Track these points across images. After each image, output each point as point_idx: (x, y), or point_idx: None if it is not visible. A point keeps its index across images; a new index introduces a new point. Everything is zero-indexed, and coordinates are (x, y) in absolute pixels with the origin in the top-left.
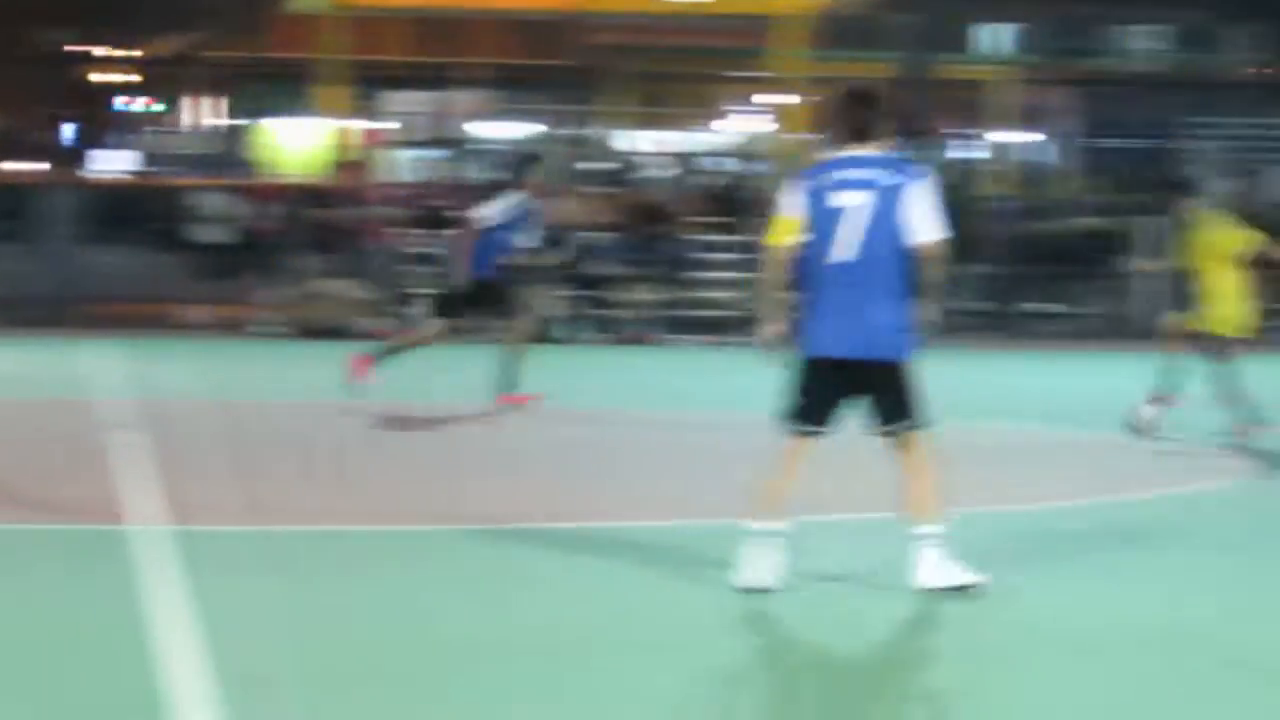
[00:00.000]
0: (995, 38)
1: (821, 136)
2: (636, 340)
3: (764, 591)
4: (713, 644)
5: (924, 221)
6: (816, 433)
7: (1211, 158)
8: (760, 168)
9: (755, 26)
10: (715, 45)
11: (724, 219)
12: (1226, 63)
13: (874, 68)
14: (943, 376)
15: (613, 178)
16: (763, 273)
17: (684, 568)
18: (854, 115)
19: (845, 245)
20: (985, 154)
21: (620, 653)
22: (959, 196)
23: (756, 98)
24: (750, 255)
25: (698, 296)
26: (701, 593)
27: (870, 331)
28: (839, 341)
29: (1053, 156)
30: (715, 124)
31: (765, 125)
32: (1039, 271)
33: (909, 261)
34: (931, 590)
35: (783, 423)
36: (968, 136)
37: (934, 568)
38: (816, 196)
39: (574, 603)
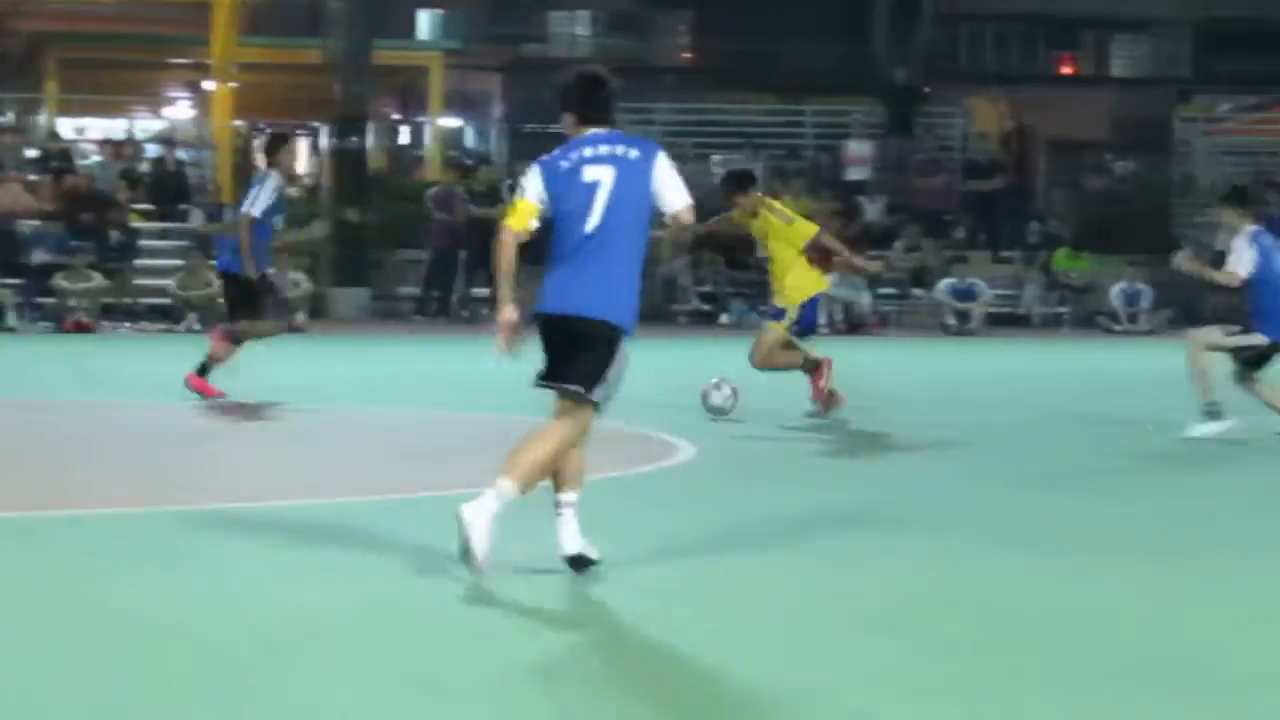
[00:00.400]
0: (432, 23)
1: (562, 117)
2: (81, 329)
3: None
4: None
5: (675, 191)
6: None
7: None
8: (201, 153)
9: (193, 13)
10: (154, 32)
11: (166, 205)
12: (655, 48)
13: (310, 53)
14: (389, 362)
15: (52, 165)
16: (498, 256)
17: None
18: (594, 96)
19: (595, 217)
20: (423, 139)
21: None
22: (397, 182)
23: (195, 83)
24: (192, 242)
25: (141, 284)
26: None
27: (602, 294)
28: (566, 300)
29: (489, 142)
30: (155, 110)
31: (204, 111)
32: (478, 257)
33: (645, 233)
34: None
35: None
36: (405, 121)
37: (479, 511)
38: (568, 174)
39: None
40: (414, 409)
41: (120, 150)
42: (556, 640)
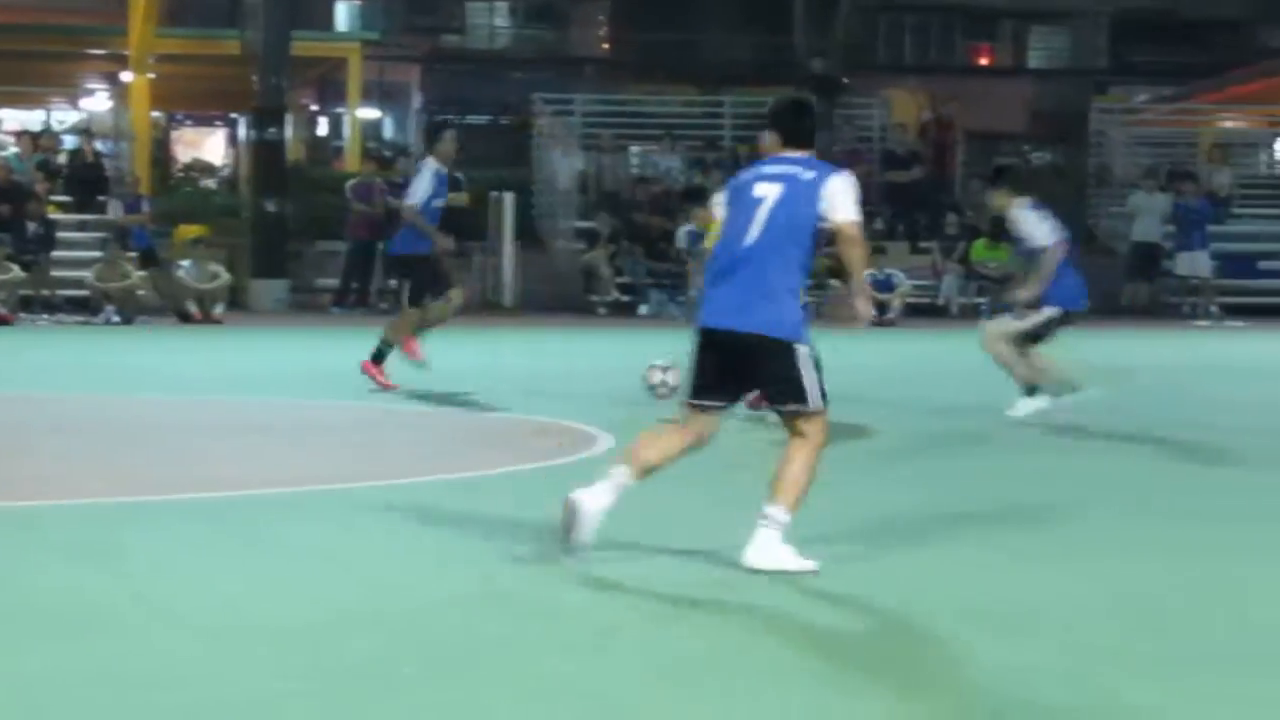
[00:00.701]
0: (350, 14)
1: (767, 135)
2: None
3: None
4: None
5: (841, 207)
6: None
7: (563, 133)
8: (119, 145)
9: (111, 4)
10: (71, 23)
11: (84, 197)
12: (573, 39)
13: (228, 45)
14: (297, 355)
15: None
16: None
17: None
18: (798, 122)
19: (753, 232)
20: (342, 130)
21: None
22: (316, 173)
23: (112, 75)
24: (109, 234)
25: (59, 276)
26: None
27: (755, 309)
28: (724, 315)
29: (408, 133)
30: (73, 102)
31: (122, 103)
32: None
33: (804, 250)
34: (759, 570)
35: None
36: (324, 113)
37: (767, 550)
38: (740, 189)
39: None
40: (331, 400)
41: (37, 142)
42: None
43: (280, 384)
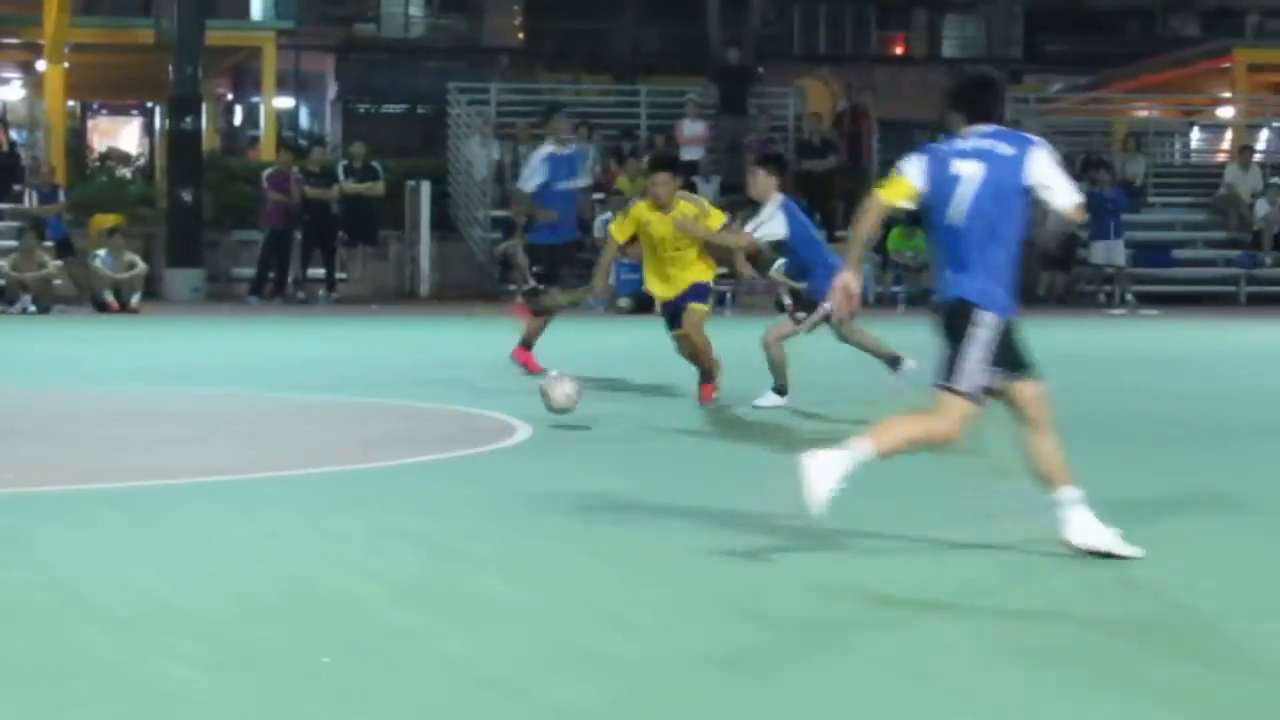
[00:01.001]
0: (265, 3)
1: (952, 116)
2: None
3: None
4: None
5: (1060, 188)
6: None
7: (478, 122)
8: (34, 134)
9: None
10: None
11: None
12: (488, 28)
13: (143, 34)
14: (211, 345)
15: None
16: (861, 221)
17: None
18: (980, 97)
19: (957, 210)
20: (257, 119)
21: None
22: (231, 162)
23: (27, 64)
24: (24, 223)
25: None
26: None
27: (960, 281)
28: (942, 289)
29: (323, 122)
30: None
31: (37, 92)
32: (313, 238)
33: (1013, 227)
34: (1080, 548)
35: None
36: (239, 102)
37: (1082, 528)
38: (941, 165)
39: None
40: (248, 390)
41: None
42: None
43: (197, 374)
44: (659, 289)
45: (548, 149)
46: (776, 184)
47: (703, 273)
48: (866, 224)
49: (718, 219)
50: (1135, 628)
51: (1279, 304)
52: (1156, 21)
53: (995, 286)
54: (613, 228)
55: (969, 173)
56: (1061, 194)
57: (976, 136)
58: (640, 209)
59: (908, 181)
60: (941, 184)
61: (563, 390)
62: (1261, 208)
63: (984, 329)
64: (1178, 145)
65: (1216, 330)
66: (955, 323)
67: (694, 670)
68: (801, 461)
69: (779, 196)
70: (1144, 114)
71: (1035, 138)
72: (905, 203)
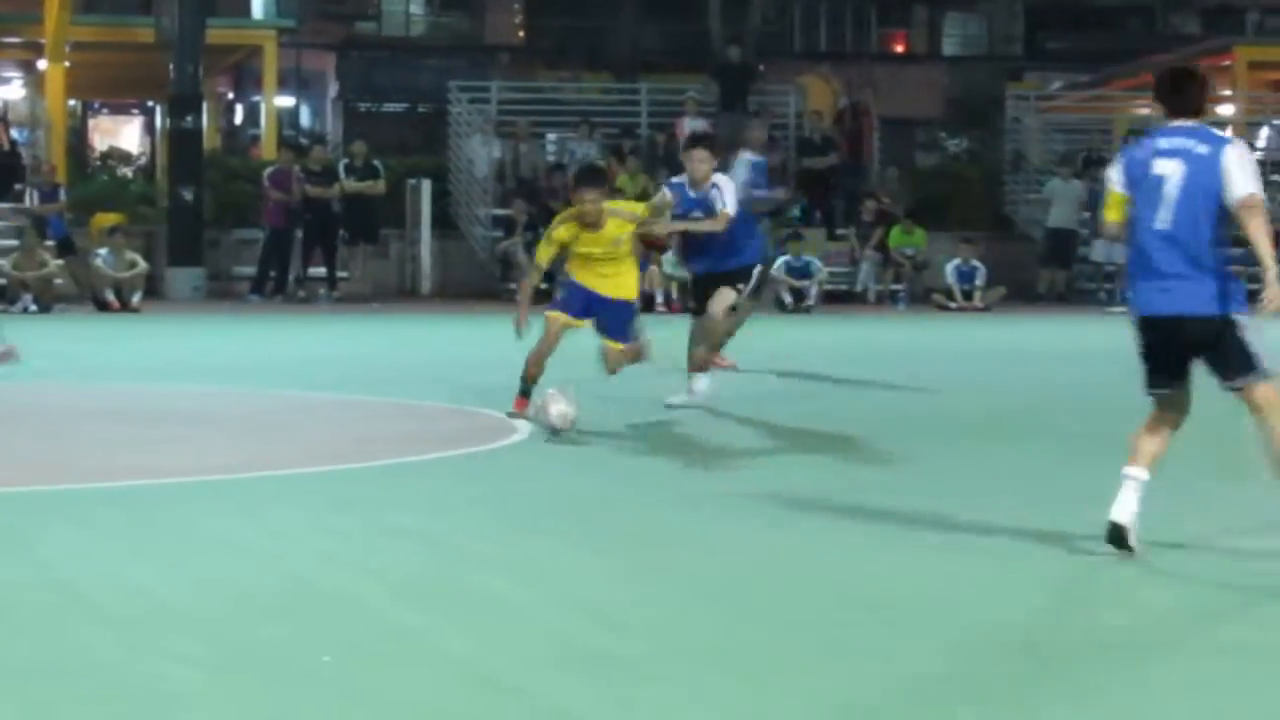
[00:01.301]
0: (266, 1)
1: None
2: None
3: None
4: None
5: (1238, 182)
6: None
7: (479, 120)
8: (35, 133)
9: None
10: None
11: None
12: (488, 26)
13: (143, 32)
14: (213, 342)
15: None
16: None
17: None
18: (1178, 90)
19: (1163, 212)
20: (258, 118)
21: None
22: (232, 161)
23: (28, 63)
24: (24, 223)
25: None
26: None
27: (1187, 291)
28: (1157, 302)
29: (324, 120)
30: None
31: (37, 90)
32: (314, 236)
33: (1216, 225)
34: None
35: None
36: (240, 100)
37: None
38: (1140, 166)
39: None
40: (250, 389)
41: None
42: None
43: (198, 372)
44: (598, 286)
45: (749, 158)
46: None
47: (633, 282)
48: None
49: (644, 212)
50: None
51: None
52: (1157, 19)
53: (1225, 285)
54: (538, 252)
55: (1170, 171)
56: (1234, 186)
57: (1176, 134)
58: (567, 229)
59: (1118, 192)
60: (1144, 186)
61: (558, 410)
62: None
63: (1243, 327)
64: None
65: None
66: (1205, 338)
67: (697, 669)
68: (1115, 525)
69: (722, 174)
70: (1144, 112)
71: (1229, 135)
72: (1129, 211)
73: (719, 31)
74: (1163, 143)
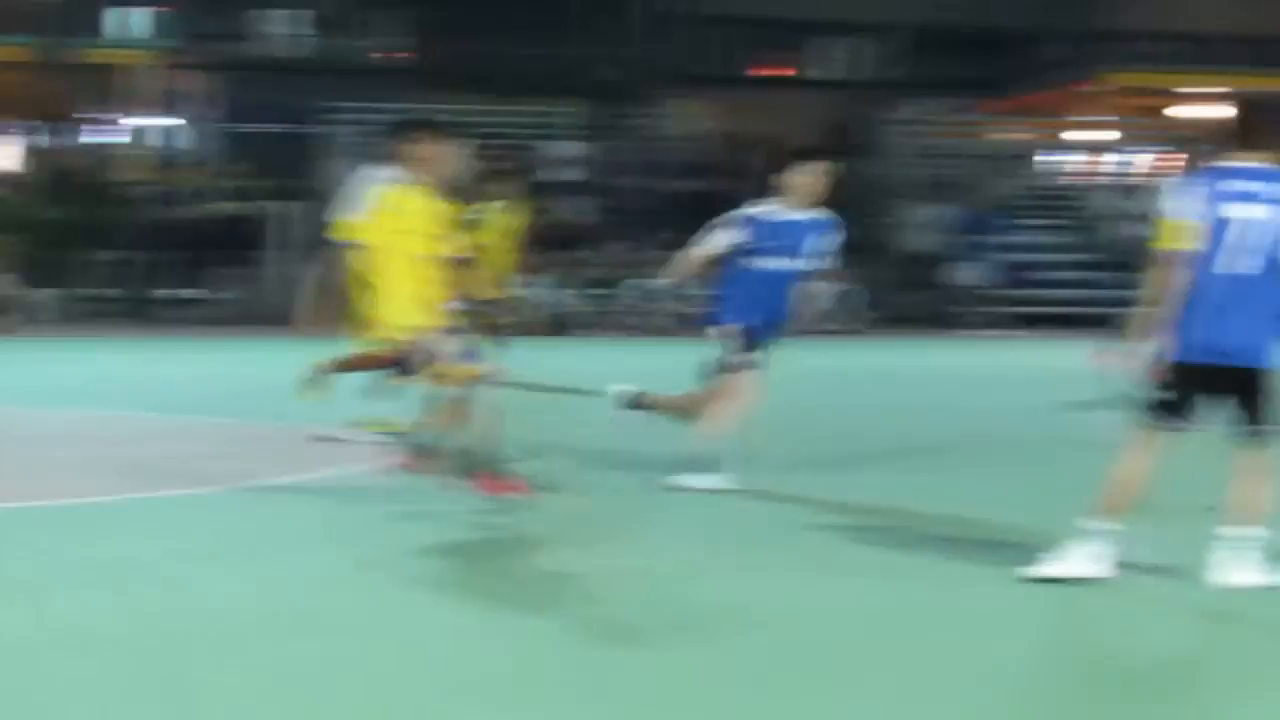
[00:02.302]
0: (136, 22)
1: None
2: None
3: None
4: None
5: None
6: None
7: (349, 142)
8: None
9: None
10: None
11: None
12: (371, 48)
13: (17, 51)
14: (78, 365)
15: None
16: (1156, 287)
17: None
18: (1249, 126)
19: (1230, 256)
20: (125, 139)
21: None
22: (96, 181)
23: None
24: None
25: None
26: None
27: (1243, 339)
28: (1211, 349)
29: (193, 141)
30: None
31: None
32: (177, 257)
33: None
34: (1233, 588)
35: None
36: (108, 121)
37: (1248, 569)
38: (1208, 205)
39: None
40: (117, 411)
41: None
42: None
43: (63, 394)
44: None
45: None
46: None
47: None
48: (1157, 289)
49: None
50: None
51: None
52: (1030, 45)
53: (1267, 342)
54: None
55: (1240, 216)
56: None
57: (1247, 176)
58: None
59: (1190, 221)
60: (1208, 227)
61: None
62: (1130, 229)
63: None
64: (1044, 168)
65: (1054, 350)
66: (1250, 386)
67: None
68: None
69: None
70: (1012, 137)
71: None
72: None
73: (596, 55)
74: (1234, 184)
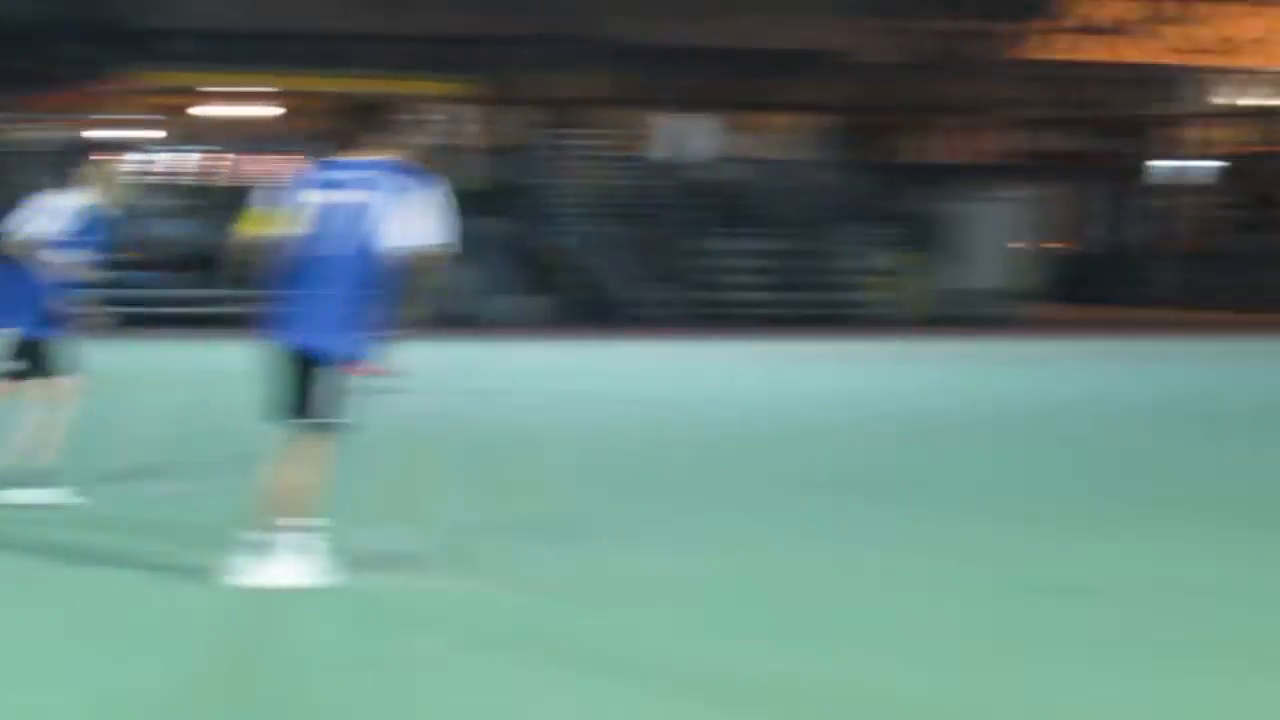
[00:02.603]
0: None
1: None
2: None
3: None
4: None
5: (417, 227)
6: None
7: None
8: None
9: None
10: None
11: None
12: None
13: None
14: None
15: None
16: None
17: None
18: (351, 124)
19: (326, 242)
20: None
21: None
22: None
23: None
24: None
25: None
26: None
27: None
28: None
29: None
30: None
31: None
32: None
33: (379, 264)
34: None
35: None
36: None
37: (286, 564)
38: (308, 192)
39: None
40: None
41: None
42: None
43: None
44: None
45: None
46: None
47: None
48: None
49: None
50: None
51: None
52: (59, 40)
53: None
54: None
55: (334, 202)
56: (417, 233)
57: (345, 168)
58: None
59: (283, 210)
60: (307, 215)
61: None
62: (162, 228)
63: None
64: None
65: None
66: (319, 372)
67: None
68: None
69: None
70: (45, 135)
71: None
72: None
73: None
74: (335, 175)
